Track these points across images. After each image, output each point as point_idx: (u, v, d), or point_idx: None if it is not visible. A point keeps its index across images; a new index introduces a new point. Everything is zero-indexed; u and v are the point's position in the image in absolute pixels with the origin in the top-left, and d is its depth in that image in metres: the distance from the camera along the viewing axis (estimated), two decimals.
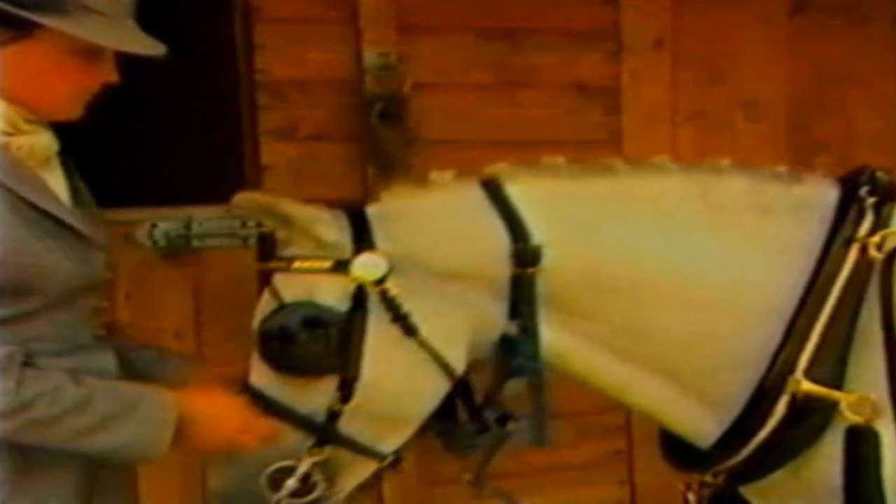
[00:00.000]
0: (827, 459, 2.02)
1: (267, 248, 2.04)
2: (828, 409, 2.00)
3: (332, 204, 2.10)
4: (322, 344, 1.95)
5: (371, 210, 2.04)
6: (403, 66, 3.73)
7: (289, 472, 1.99)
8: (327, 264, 1.97)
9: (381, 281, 1.96)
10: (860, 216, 2.04)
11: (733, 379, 2.04)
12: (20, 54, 1.97)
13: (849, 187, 2.09)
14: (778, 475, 2.06)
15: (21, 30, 1.94)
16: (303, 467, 1.99)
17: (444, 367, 2.00)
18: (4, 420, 1.86)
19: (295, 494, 2.00)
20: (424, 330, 1.97)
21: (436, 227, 2.01)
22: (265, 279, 2.09)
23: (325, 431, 1.99)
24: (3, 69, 1.96)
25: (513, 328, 2.01)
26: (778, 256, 2.04)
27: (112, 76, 2.14)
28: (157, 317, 3.50)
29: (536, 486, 3.93)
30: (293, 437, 2.00)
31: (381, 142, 3.63)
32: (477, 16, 3.88)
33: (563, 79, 3.98)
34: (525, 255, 1.99)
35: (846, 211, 2.05)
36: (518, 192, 2.02)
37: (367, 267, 1.96)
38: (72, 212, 2.06)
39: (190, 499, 3.65)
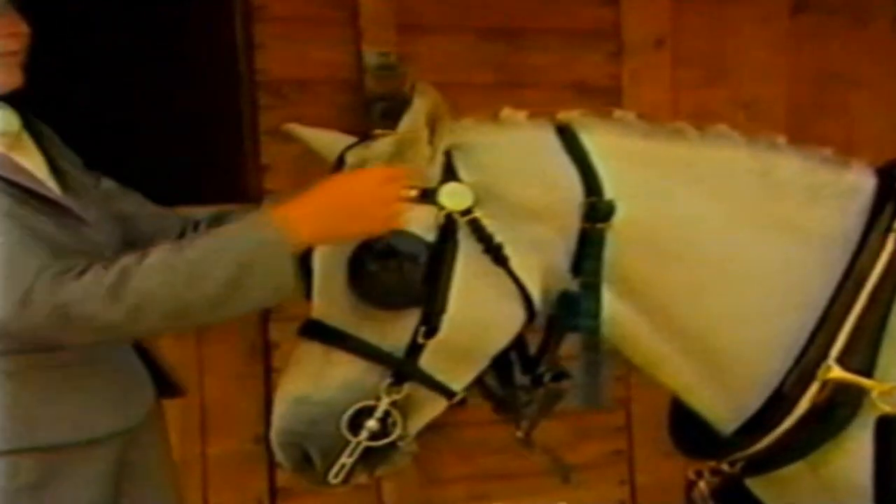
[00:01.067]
0: (849, 455, 2.02)
1: None
2: (855, 402, 1.99)
3: None
4: (412, 273, 1.90)
5: (454, 139, 1.99)
6: (404, 66, 3.73)
7: (367, 413, 1.93)
8: (413, 193, 1.92)
9: (467, 211, 1.93)
10: None
11: (765, 363, 2.03)
12: None
13: (886, 178, 2.10)
14: (794, 470, 2.05)
15: None
16: (383, 406, 1.93)
17: (528, 300, 1.97)
18: (148, 312, 1.85)
19: (373, 437, 1.93)
20: (514, 260, 1.95)
21: (513, 165, 1.98)
22: None
23: (406, 366, 1.93)
24: None
25: (574, 284, 1.98)
26: (820, 242, 2.04)
27: (17, 27, 2.04)
28: None
29: (536, 486, 3.93)
30: (371, 377, 1.94)
31: None
32: (477, 16, 3.89)
33: (563, 79, 3.98)
34: (598, 210, 1.97)
35: (884, 201, 2.05)
36: (593, 144, 2.01)
37: (454, 196, 1.93)
38: (56, 189, 2.05)
39: (190, 499, 3.66)
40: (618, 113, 2.10)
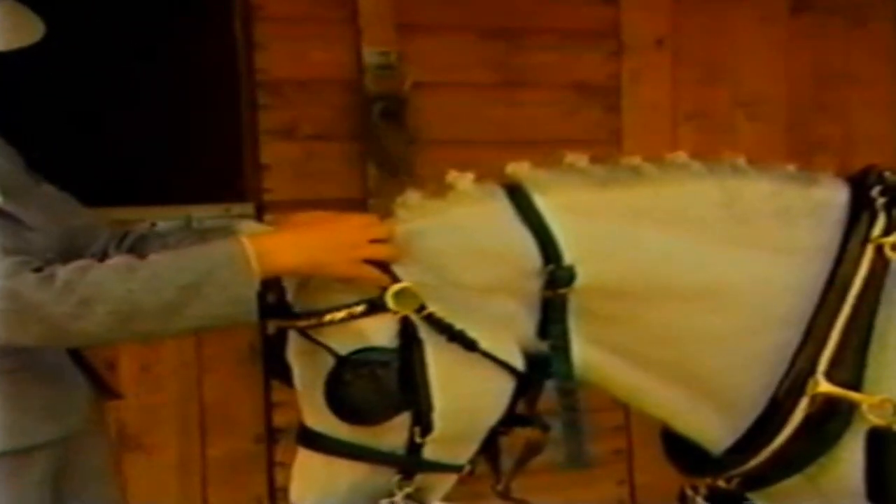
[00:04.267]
0: (845, 464, 2.01)
1: None
2: (846, 413, 1.98)
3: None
4: (390, 386, 1.89)
5: (393, 229, 1.94)
6: (404, 66, 3.73)
7: None
8: (361, 308, 1.90)
9: (421, 308, 1.90)
10: (873, 217, 2.03)
11: (751, 382, 2.02)
12: None
13: (858, 188, 2.08)
14: (792, 481, 2.05)
15: None
16: (399, 501, 1.95)
17: (510, 370, 1.96)
18: (77, 321, 1.81)
19: None
20: (483, 342, 1.93)
21: (465, 246, 1.93)
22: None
23: (412, 463, 1.95)
24: None
25: (544, 346, 1.97)
26: (798, 260, 2.03)
27: None
28: None
29: (536, 486, 3.92)
30: (379, 477, 1.96)
31: (381, 141, 3.64)
32: (477, 15, 3.88)
33: (563, 78, 3.98)
34: (557, 277, 1.93)
35: (858, 211, 2.04)
36: (547, 204, 1.95)
37: (401, 298, 1.89)
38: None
39: (190, 499, 3.66)
40: (569, 158, 2.02)
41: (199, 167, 4.16)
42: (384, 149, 3.64)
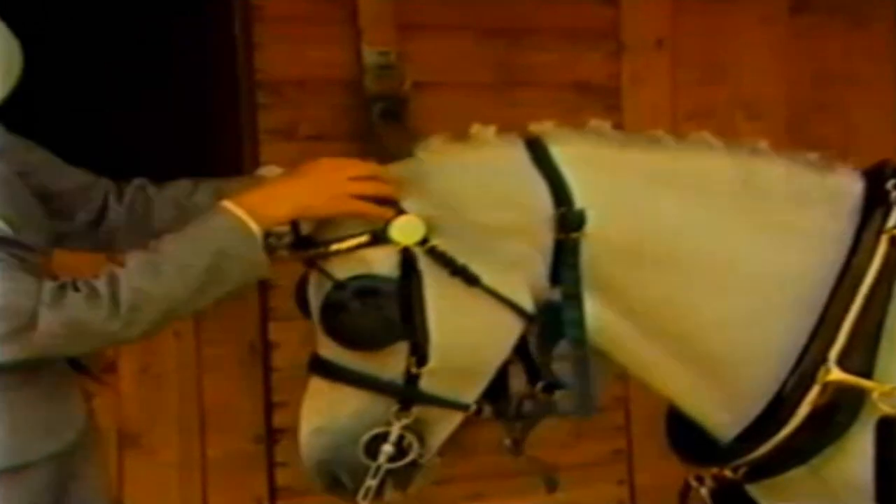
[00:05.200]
0: (851, 456, 2.01)
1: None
2: (855, 404, 1.99)
3: None
4: (385, 314, 1.93)
5: (409, 167, 2.01)
6: (403, 66, 3.73)
7: (382, 437, 1.98)
8: (364, 238, 1.95)
9: (424, 241, 1.94)
10: (888, 209, 2.04)
11: (761, 369, 2.02)
12: None
13: (874, 180, 2.09)
14: (797, 473, 2.04)
15: None
16: (395, 431, 1.98)
17: (515, 307, 1.98)
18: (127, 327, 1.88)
19: (392, 459, 1.99)
20: (486, 278, 1.95)
21: (478, 186, 1.98)
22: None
23: (409, 393, 1.98)
24: None
25: (556, 294, 1.99)
26: (811, 246, 2.04)
27: None
28: None
29: (537, 486, 3.93)
30: (379, 405, 1.99)
31: (381, 141, 3.64)
32: (477, 15, 3.89)
33: (563, 78, 3.98)
34: (568, 220, 1.96)
35: (873, 203, 2.05)
36: (563, 154, 2.00)
37: (405, 230, 1.94)
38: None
39: (190, 499, 3.66)
40: (593, 123, 2.07)
41: (199, 166, 4.15)
42: (384, 149, 3.64)
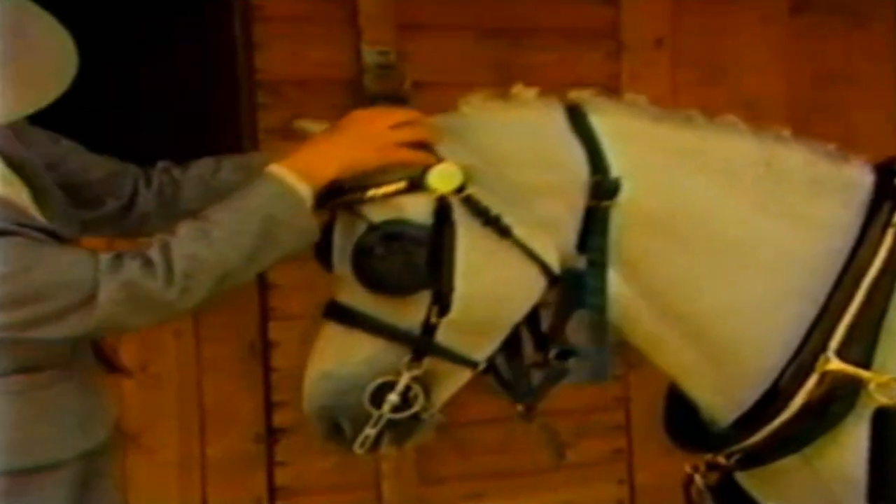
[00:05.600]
0: (844, 448, 2.02)
1: None
2: (851, 395, 2.00)
3: None
4: (414, 260, 1.93)
5: (450, 119, 2.02)
6: (403, 65, 3.73)
7: (389, 387, 1.98)
8: (401, 185, 1.95)
9: (460, 190, 1.95)
10: (895, 203, 2.06)
11: (762, 356, 2.04)
12: None
13: (884, 174, 2.11)
14: (789, 463, 2.06)
15: None
16: (403, 381, 1.97)
17: (542, 265, 1.99)
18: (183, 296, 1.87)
19: (395, 409, 1.98)
20: (517, 231, 1.96)
21: (518, 144, 1.99)
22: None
23: (423, 344, 1.97)
24: None
25: (581, 261, 2.00)
26: (821, 235, 2.06)
27: None
28: None
29: (536, 485, 3.93)
30: (391, 354, 1.98)
31: None
32: (477, 15, 3.89)
33: (562, 78, 3.95)
34: (603, 187, 1.98)
35: (882, 196, 2.07)
36: (602, 124, 2.02)
37: (443, 177, 1.94)
38: (39, 215, 2.00)
39: (190, 498, 3.66)
40: (629, 96, 2.11)
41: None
42: None
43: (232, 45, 3.78)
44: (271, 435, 3.72)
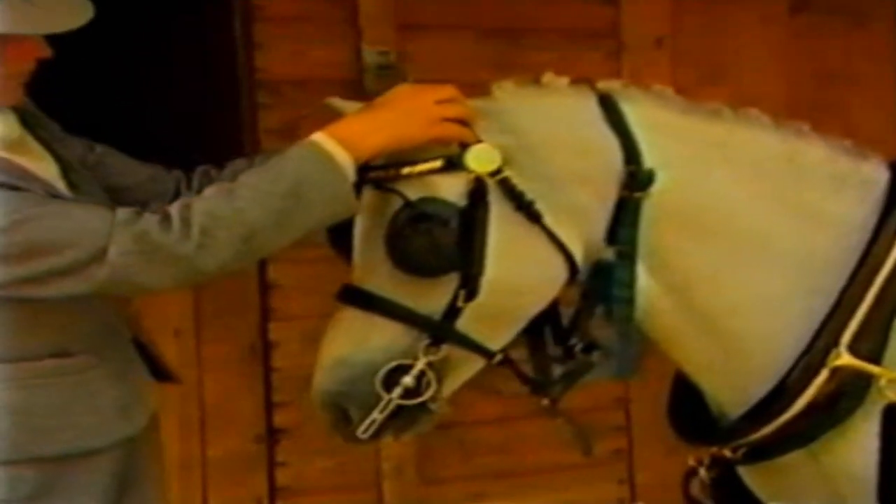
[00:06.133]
0: (852, 445, 2.02)
1: None
2: (861, 392, 2.00)
3: None
4: (447, 241, 1.91)
5: (486, 103, 2.00)
6: (403, 65, 3.73)
7: (403, 370, 1.94)
8: (438, 164, 1.93)
9: (497, 172, 1.93)
10: None
11: (778, 351, 2.04)
12: None
13: None
14: (795, 459, 2.06)
15: None
16: (419, 366, 1.94)
17: (568, 256, 1.98)
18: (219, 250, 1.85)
19: (406, 395, 1.95)
20: (548, 219, 1.95)
21: (552, 130, 1.98)
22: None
23: (444, 330, 1.95)
24: None
25: (609, 253, 2.00)
26: (837, 231, 2.06)
27: (43, 52, 2.03)
28: (157, 315, 3.50)
29: (537, 486, 3.93)
30: (408, 339, 1.95)
31: None
32: (477, 15, 3.89)
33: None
34: (637, 178, 1.97)
35: None
36: (633, 114, 2.01)
37: (481, 158, 1.92)
38: (66, 189, 2.02)
39: (190, 499, 3.66)
40: (657, 87, 2.10)
41: (199, 166, 4.15)
42: None
43: (232, 45, 3.78)
44: (272, 435, 3.72)
